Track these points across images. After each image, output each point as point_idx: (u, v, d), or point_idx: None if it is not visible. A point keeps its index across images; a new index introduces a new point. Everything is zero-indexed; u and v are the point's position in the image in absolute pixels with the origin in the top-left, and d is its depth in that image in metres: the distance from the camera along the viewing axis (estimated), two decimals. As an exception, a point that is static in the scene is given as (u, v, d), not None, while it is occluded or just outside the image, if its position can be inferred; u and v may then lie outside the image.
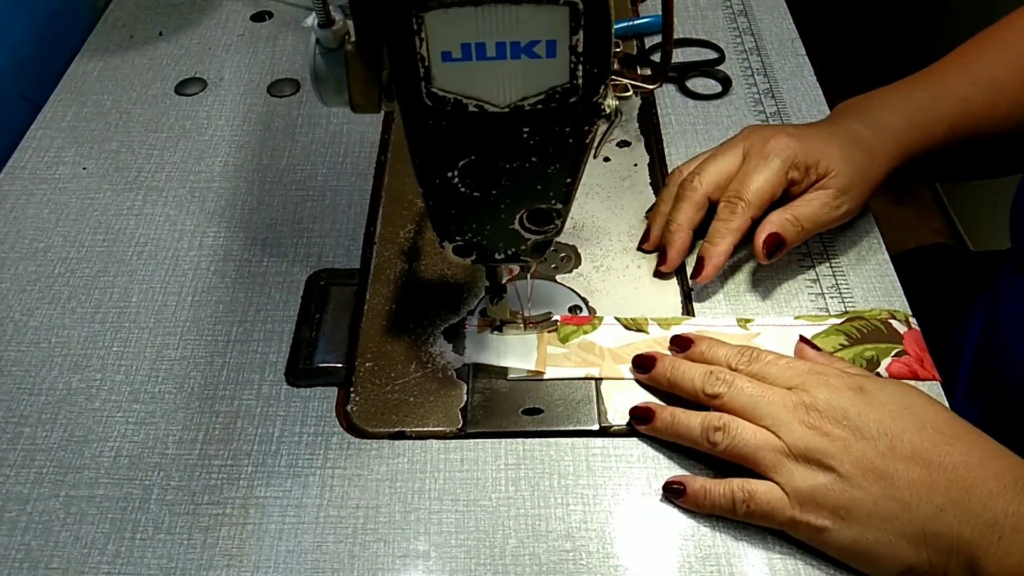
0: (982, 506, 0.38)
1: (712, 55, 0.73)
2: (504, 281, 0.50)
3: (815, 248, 0.58)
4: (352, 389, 0.50)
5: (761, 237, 0.52)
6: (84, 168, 0.65)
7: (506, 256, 0.44)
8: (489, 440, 0.48)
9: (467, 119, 0.36)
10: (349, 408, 0.49)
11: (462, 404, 0.49)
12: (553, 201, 0.41)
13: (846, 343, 0.51)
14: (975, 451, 0.40)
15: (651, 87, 0.41)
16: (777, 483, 0.42)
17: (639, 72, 0.40)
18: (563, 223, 0.43)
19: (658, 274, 0.55)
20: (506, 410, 0.49)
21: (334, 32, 0.39)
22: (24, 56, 0.73)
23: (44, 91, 0.72)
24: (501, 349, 0.51)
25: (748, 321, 0.53)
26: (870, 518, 0.40)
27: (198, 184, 0.64)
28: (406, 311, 0.54)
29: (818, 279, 0.56)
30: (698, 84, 0.71)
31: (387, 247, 0.58)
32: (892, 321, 0.52)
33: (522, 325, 0.52)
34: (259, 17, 0.80)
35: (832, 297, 0.54)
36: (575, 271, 0.57)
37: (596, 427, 0.48)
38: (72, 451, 0.49)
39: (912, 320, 0.53)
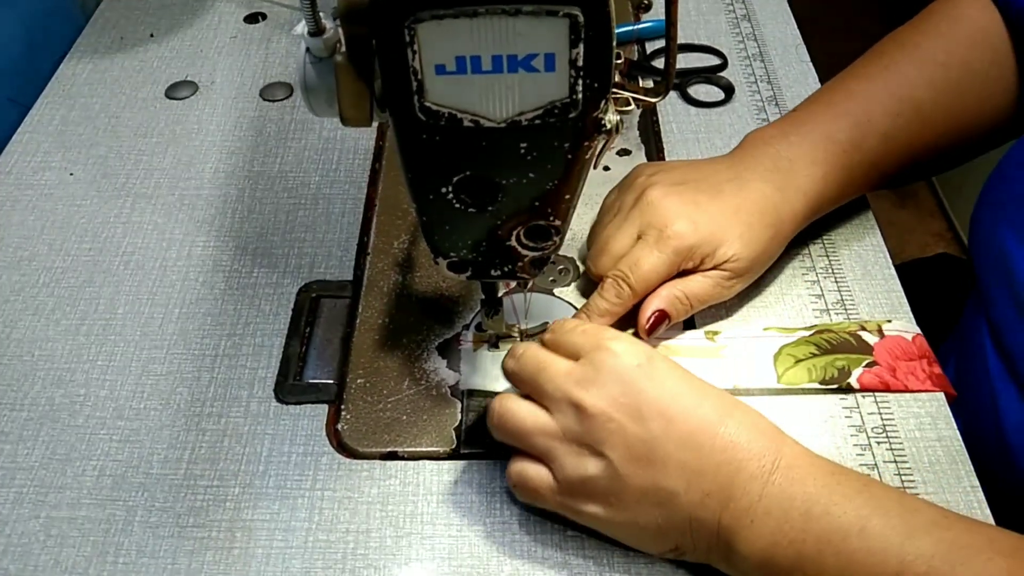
0: (741, 491, 0.38)
1: (715, 61, 0.71)
2: (501, 294, 0.48)
3: (820, 262, 0.56)
4: (343, 407, 0.49)
5: (646, 314, 0.49)
6: (71, 174, 0.64)
7: (503, 272, 0.43)
8: (484, 461, 0.47)
9: (462, 134, 0.35)
10: (340, 426, 0.48)
11: (456, 423, 0.48)
12: (552, 217, 0.39)
13: (816, 352, 0.50)
14: (743, 429, 0.39)
15: (654, 100, 0.39)
16: (549, 468, 0.41)
17: (640, 83, 0.38)
18: (562, 239, 0.41)
19: None
20: (502, 430, 0.47)
21: (325, 41, 0.37)
22: (13, 58, 0.72)
23: (33, 94, 0.71)
24: (496, 365, 0.50)
25: (715, 333, 0.52)
26: (640, 504, 0.39)
27: (187, 191, 0.63)
28: (400, 325, 0.53)
29: (823, 294, 0.54)
30: (700, 91, 0.69)
31: (381, 258, 0.56)
32: (862, 333, 0.51)
33: (519, 339, 0.51)
34: (252, 19, 0.78)
35: (837, 313, 0.53)
36: (573, 284, 0.55)
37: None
38: (54, 470, 0.47)
39: (888, 328, 0.51)
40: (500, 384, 0.49)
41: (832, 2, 1.94)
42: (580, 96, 0.33)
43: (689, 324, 0.52)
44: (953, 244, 1.63)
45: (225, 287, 0.56)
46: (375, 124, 0.67)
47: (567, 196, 0.38)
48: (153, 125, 0.68)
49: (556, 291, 0.55)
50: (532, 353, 0.43)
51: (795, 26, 0.75)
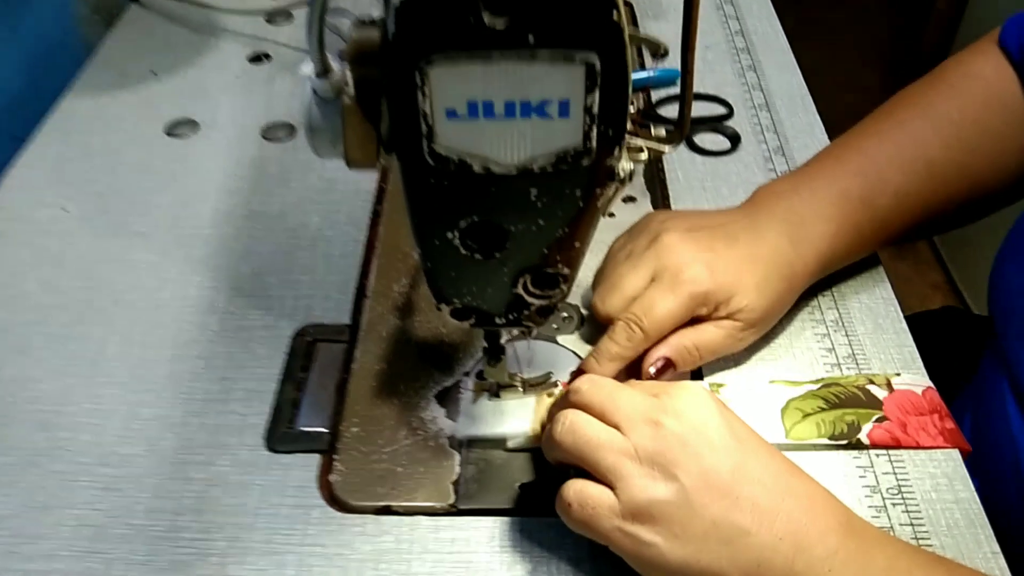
0: (818, 539, 0.37)
1: (721, 110, 0.71)
2: (503, 341, 0.47)
3: (829, 315, 0.55)
4: (336, 456, 0.47)
5: (652, 360, 0.48)
6: (66, 210, 0.63)
7: (507, 321, 0.41)
8: (484, 518, 0.45)
9: (471, 179, 0.34)
10: (332, 478, 0.46)
11: (454, 476, 0.46)
12: (560, 265, 0.38)
13: (824, 407, 0.49)
14: (816, 488, 0.39)
15: (667, 149, 0.38)
16: (612, 487, 0.38)
17: (652, 131, 0.38)
18: (569, 288, 0.40)
19: None
20: (502, 484, 0.46)
21: (331, 82, 0.36)
22: (14, 93, 0.71)
23: (33, 129, 0.70)
24: (497, 416, 0.48)
25: (720, 386, 0.50)
26: (705, 540, 0.37)
27: (185, 230, 0.61)
28: (397, 371, 0.51)
29: (833, 348, 0.53)
30: (706, 140, 0.69)
31: (379, 302, 0.55)
32: (870, 387, 0.50)
33: (521, 388, 0.49)
34: (257, 59, 0.78)
35: (848, 368, 0.52)
36: (576, 332, 0.54)
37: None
38: (31, 519, 0.45)
39: (897, 381, 0.50)
40: (500, 427, 0.47)
41: (836, 55, 1.96)
42: (594, 143, 0.32)
43: (696, 375, 0.51)
44: (951, 296, 1.63)
45: (219, 328, 0.54)
46: (379, 166, 0.67)
47: (577, 244, 0.37)
48: (152, 163, 0.67)
49: (560, 339, 0.53)
50: (604, 381, 0.42)
51: (800, 77, 0.75)
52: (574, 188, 0.35)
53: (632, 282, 0.49)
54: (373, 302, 0.55)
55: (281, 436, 0.48)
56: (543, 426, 0.47)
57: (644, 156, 0.37)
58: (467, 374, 0.51)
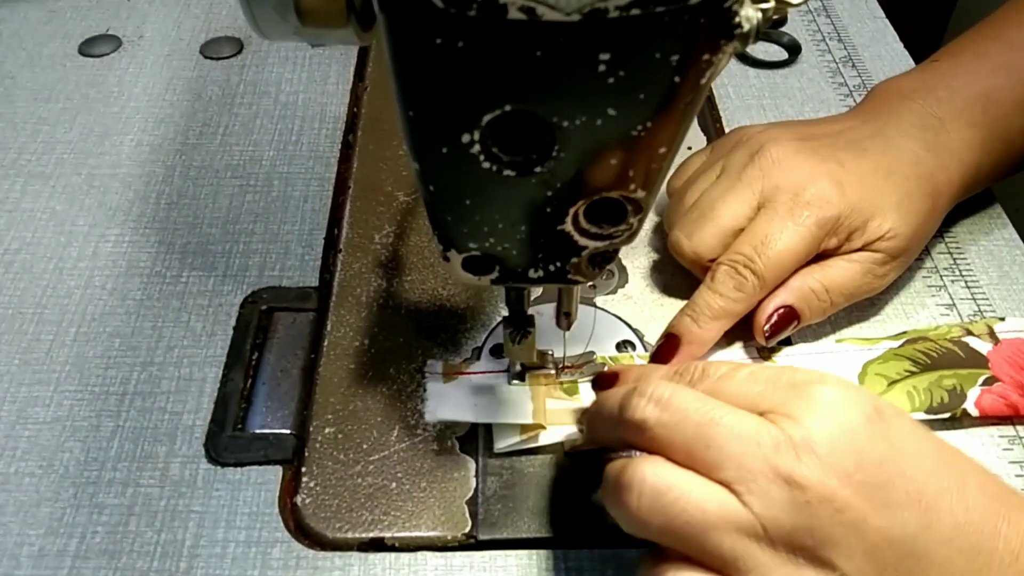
0: None
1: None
2: (530, 309, 0.34)
3: (942, 262, 0.42)
4: (305, 469, 0.34)
5: (768, 311, 0.36)
6: (-59, 147, 0.48)
7: (546, 274, 0.28)
8: (513, 553, 0.32)
9: (503, 35, 0.20)
10: (300, 500, 0.33)
11: (470, 494, 0.33)
12: (632, 186, 0.25)
13: (913, 369, 0.36)
14: None
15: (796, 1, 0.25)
16: None
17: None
18: (641, 222, 0.27)
19: None
20: (537, 503, 0.33)
21: None
22: None
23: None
24: (481, 403, 0.35)
25: (774, 352, 0.38)
26: None
27: (99, 170, 0.47)
28: (384, 349, 0.38)
29: (953, 303, 0.41)
30: (758, 49, 0.55)
31: (356, 256, 0.42)
32: (968, 339, 0.38)
33: (554, 372, 0.36)
34: (193, -38, 0.62)
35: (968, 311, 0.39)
36: (621, 291, 0.41)
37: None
38: None
39: (1003, 329, 0.38)
40: (486, 415, 0.34)
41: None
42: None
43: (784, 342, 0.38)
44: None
45: (142, 297, 0.41)
46: (347, 85, 0.53)
47: (662, 150, 0.24)
48: (60, 88, 0.52)
49: (599, 301, 0.40)
50: (690, 397, 0.27)
51: (863, -25, 0.62)
52: (668, 51, 0.21)
53: (732, 208, 0.37)
54: (348, 257, 0.42)
55: (227, 442, 0.35)
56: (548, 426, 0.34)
57: (771, 3, 0.24)
58: (477, 350, 0.38)
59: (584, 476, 0.33)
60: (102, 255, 0.43)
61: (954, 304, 0.40)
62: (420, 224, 0.43)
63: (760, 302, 0.36)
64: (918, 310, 0.40)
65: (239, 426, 0.36)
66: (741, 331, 0.37)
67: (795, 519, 0.24)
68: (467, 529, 0.32)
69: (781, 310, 0.36)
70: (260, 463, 0.35)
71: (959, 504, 0.25)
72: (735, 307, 0.36)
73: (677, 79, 0.22)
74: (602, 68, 0.22)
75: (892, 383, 0.36)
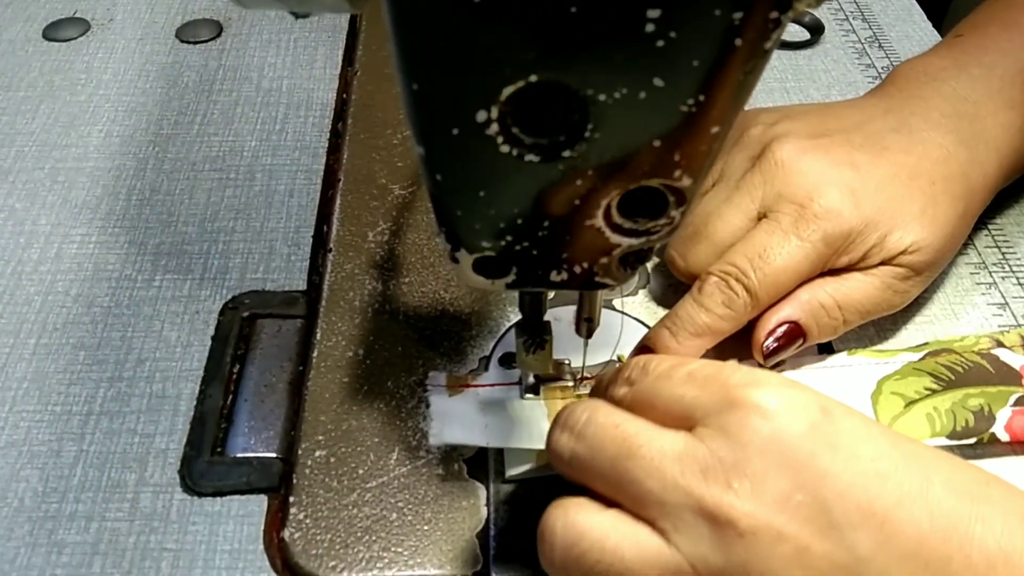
0: None
1: (791, -9, 0.54)
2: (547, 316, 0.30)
3: (990, 256, 0.39)
4: (293, 499, 0.30)
5: (769, 326, 0.32)
6: None
7: (570, 276, 0.24)
8: (533, 594, 0.28)
9: (532, -15, 0.17)
10: (288, 534, 0.29)
11: (480, 525, 0.29)
12: (677, 172, 0.21)
13: (935, 387, 0.33)
14: (1003, 520, 0.22)
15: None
16: (657, 527, 0.23)
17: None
18: (685, 215, 0.23)
19: None
20: (557, 534, 0.29)
21: None
22: None
23: None
24: (492, 423, 0.31)
25: (776, 365, 0.34)
26: None
27: (63, 164, 0.43)
28: (381, 360, 0.34)
29: (1006, 302, 0.37)
30: (778, 28, 0.51)
31: (348, 257, 0.38)
32: (999, 351, 0.34)
33: (573, 385, 0.32)
34: (168, -60, 0.58)
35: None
36: (643, 291, 0.37)
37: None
38: None
39: None
40: (496, 439, 0.31)
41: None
42: None
43: (824, 348, 0.35)
44: None
45: (110, 304, 0.37)
46: (336, 69, 0.49)
47: (715, 129, 0.20)
48: (21, 75, 0.48)
49: (619, 303, 0.36)
50: (606, 423, 0.24)
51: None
52: (730, 5, 0.18)
53: (729, 223, 0.33)
54: (338, 257, 0.38)
55: (205, 468, 0.31)
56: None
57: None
58: (485, 359, 0.34)
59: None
60: (66, 257, 0.39)
61: (1007, 303, 0.37)
62: (419, 220, 0.39)
63: (760, 315, 0.32)
64: (968, 310, 0.37)
65: (218, 450, 0.32)
66: (735, 346, 0.33)
67: (727, 556, 0.22)
68: (478, 567, 0.28)
69: (786, 326, 0.32)
70: (242, 492, 0.31)
71: (922, 511, 0.22)
72: (721, 325, 0.32)
73: (738, 42, 0.18)
74: (650, 28, 0.18)
75: (910, 403, 0.32)
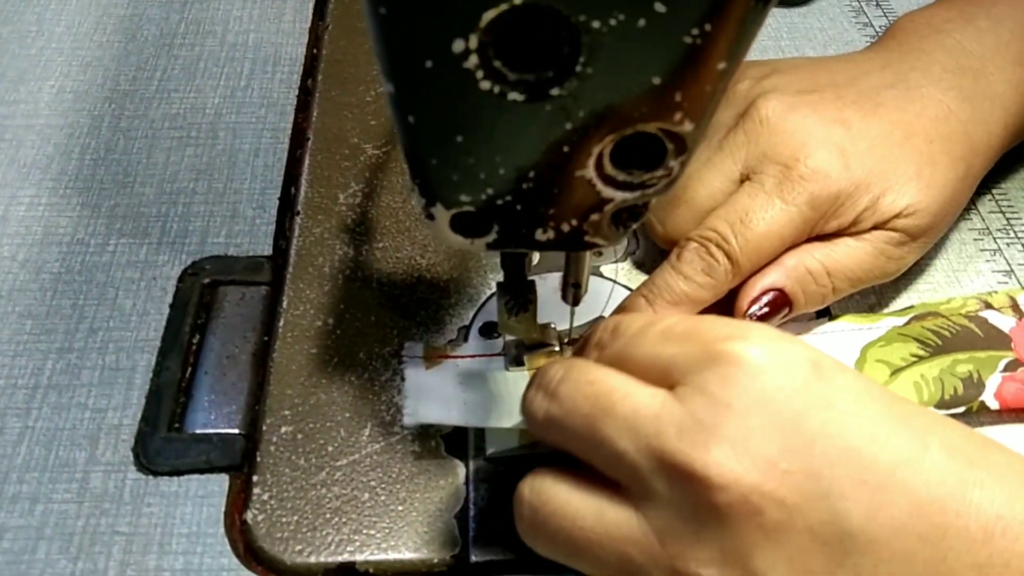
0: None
1: (785, -53, 0.51)
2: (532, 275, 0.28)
3: (994, 222, 0.37)
4: (257, 478, 0.28)
5: (753, 293, 0.30)
6: None
7: (557, 235, 0.22)
8: (515, 579, 0.26)
9: None
10: (251, 516, 0.27)
11: (459, 506, 0.27)
12: (677, 115, 0.19)
13: (921, 353, 0.31)
14: (998, 484, 0.20)
15: None
16: (631, 491, 0.21)
17: None
18: (684, 166, 0.21)
19: None
20: (541, 514, 0.27)
21: None
22: None
23: None
24: (472, 399, 0.29)
25: None
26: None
27: (11, 120, 0.40)
28: (351, 329, 0.32)
29: (1011, 269, 0.35)
30: (771, -15, 0.49)
31: (317, 220, 0.35)
32: (987, 313, 0.32)
33: (559, 350, 0.30)
34: None
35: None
36: (630, 258, 0.35)
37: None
38: None
39: None
40: (474, 417, 0.29)
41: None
42: None
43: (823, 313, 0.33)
44: None
45: (61, 270, 0.34)
46: (306, 23, 0.46)
47: (721, 65, 0.18)
48: (-34, 26, 0.45)
49: (606, 269, 0.34)
50: (580, 380, 0.22)
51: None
52: (746, -83, 0.15)
53: (709, 186, 0.31)
54: (307, 220, 0.35)
55: (161, 446, 0.29)
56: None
57: None
58: (465, 329, 0.32)
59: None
60: (12, 220, 0.36)
61: (1012, 271, 0.35)
62: (393, 182, 0.37)
63: (743, 283, 0.30)
64: (972, 278, 0.35)
65: (176, 425, 0.29)
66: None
67: (698, 529, 0.20)
68: (456, 550, 0.26)
69: (771, 293, 0.30)
70: (202, 471, 0.28)
71: (918, 478, 0.20)
72: (700, 293, 0.30)
73: (752, -40, 0.16)
74: (652, -59, 0.15)
75: (896, 371, 0.31)
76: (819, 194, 0.30)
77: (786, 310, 0.31)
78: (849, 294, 0.32)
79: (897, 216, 0.30)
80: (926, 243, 0.32)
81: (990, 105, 0.32)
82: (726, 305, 0.31)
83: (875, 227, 0.30)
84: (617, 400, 0.21)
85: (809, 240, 0.31)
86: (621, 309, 0.31)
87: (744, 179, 0.31)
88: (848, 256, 0.31)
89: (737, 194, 0.31)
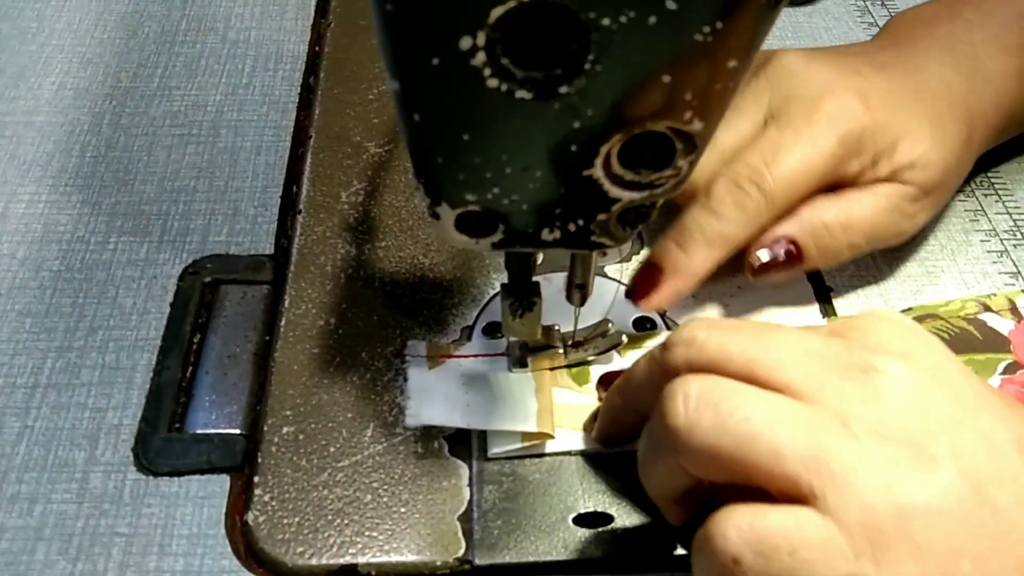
0: None
1: (790, -54, 0.51)
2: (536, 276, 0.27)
3: (1000, 222, 0.37)
4: (258, 479, 0.27)
5: (766, 242, 0.30)
6: None
7: (563, 235, 0.22)
8: (519, 582, 0.26)
9: None
10: (252, 518, 0.27)
11: (463, 508, 0.27)
12: (687, 114, 0.19)
13: None
14: None
15: None
16: (810, 503, 0.20)
17: None
18: (693, 165, 0.20)
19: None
20: (547, 517, 0.27)
21: None
22: None
23: None
24: (475, 401, 0.29)
25: None
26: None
27: (11, 117, 0.40)
28: (353, 330, 0.31)
29: (1018, 269, 0.35)
30: (776, -16, 0.49)
31: (319, 219, 0.35)
32: (986, 316, 0.32)
33: (563, 352, 0.30)
34: None
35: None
36: (635, 258, 0.35)
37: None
38: None
39: None
40: (477, 419, 0.28)
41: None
42: None
43: (822, 295, 0.33)
44: None
45: (61, 268, 0.34)
46: (308, 21, 0.46)
47: (732, 63, 0.18)
48: (-34, 23, 0.45)
49: (610, 270, 0.34)
50: (721, 321, 0.24)
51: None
52: (759, -87, 0.15)
53: (736, 128, 0.31)
54: (309, 219, 0.35)
55: (162, 446, 0.29)
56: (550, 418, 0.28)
57: None
58: (468, 329, 0.32)
59: (582, 488, 0.27)
60: (12, 218, 0.36)
61: (1019, 272, 0.35)
62: (396, 180, 0.36)
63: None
64: (979, 279, 0.35)
65: (176, 426, 0.29)
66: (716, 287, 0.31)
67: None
68: (460, 552, 0.26)
69: (783, 244, 0.30)
70: (202, 471, 0.28)
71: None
72: (734, 231, 0.29)
73: (765, -44, 0.16)
74: (664, -64, 0.15)
75: None
76: (846, 128, 0.30)
77: (797, 264, 0.30)
78: (865, 253, 0.32)
79: (911, 166, 0.30)
80: (935, 203, 0.32)
81: (983, 84, 0.33)
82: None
83: (889, 179, 0.30)
84: (785, 416, 0.21)
85: (825, 194, 0.31)
86: (651, 257, 0.30)
87: (769, 118, 0.31)
88: (864, 210, 0.30)
89: (766, 131, 0.30)
